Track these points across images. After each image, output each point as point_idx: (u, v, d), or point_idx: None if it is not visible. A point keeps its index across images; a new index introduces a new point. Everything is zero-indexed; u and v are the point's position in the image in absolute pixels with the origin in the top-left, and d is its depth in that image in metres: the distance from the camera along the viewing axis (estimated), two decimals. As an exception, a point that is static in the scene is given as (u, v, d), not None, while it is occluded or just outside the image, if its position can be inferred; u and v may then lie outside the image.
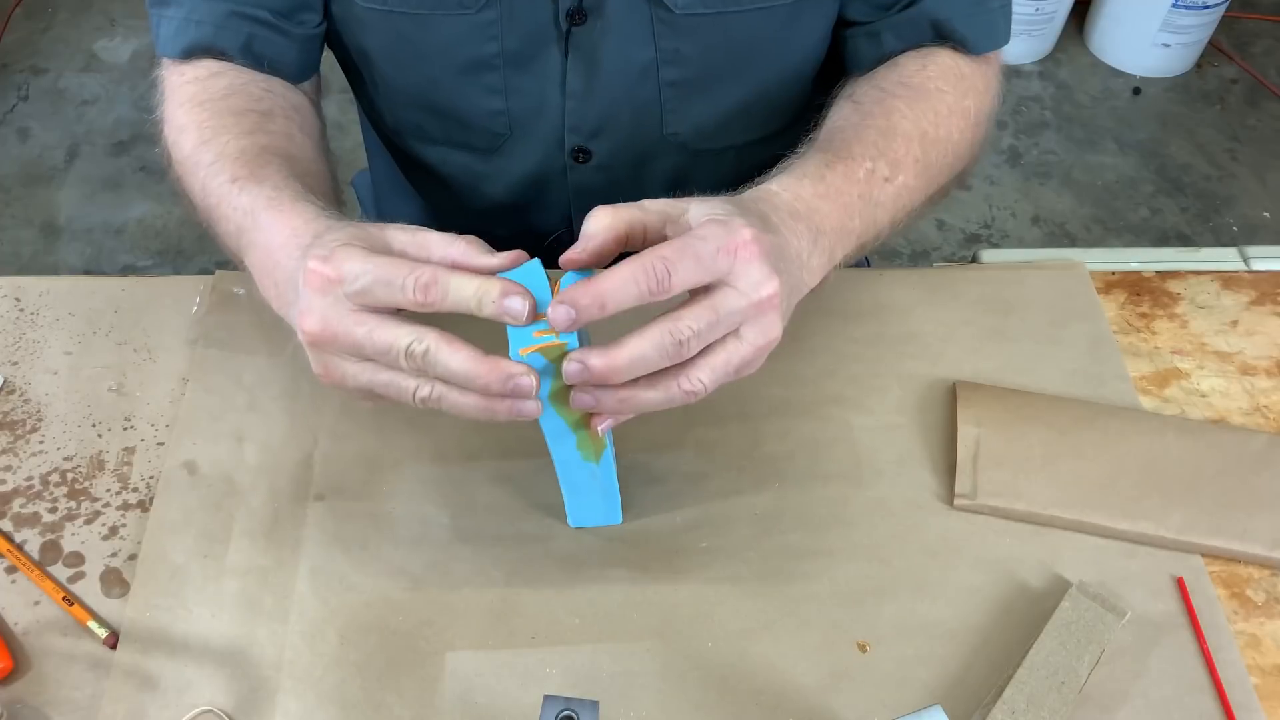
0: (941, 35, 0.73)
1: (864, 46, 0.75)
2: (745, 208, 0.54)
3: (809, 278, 0.58)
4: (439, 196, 0.87)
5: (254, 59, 0.72)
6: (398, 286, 0.48)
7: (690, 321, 0.50)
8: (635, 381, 0.52)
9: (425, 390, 0.51)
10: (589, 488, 0.61)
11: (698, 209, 0.53)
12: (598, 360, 0.50)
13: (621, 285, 0.49)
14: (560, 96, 0.75)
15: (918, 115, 0.68)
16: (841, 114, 0.70)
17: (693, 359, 0.51)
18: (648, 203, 0.54)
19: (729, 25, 0.71)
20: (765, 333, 0.52)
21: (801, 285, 0.58)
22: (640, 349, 0.50)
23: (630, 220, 0.53)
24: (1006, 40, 0.76)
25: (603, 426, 0.55)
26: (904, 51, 0.74)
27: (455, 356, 0.49)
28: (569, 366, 0.50)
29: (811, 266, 0.58)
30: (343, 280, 0.49)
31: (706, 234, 0.50)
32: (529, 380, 0.49)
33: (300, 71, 0.76)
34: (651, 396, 0.52)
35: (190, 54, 0.72)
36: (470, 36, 0.72)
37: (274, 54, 0.73)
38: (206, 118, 0.68)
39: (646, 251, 0.49)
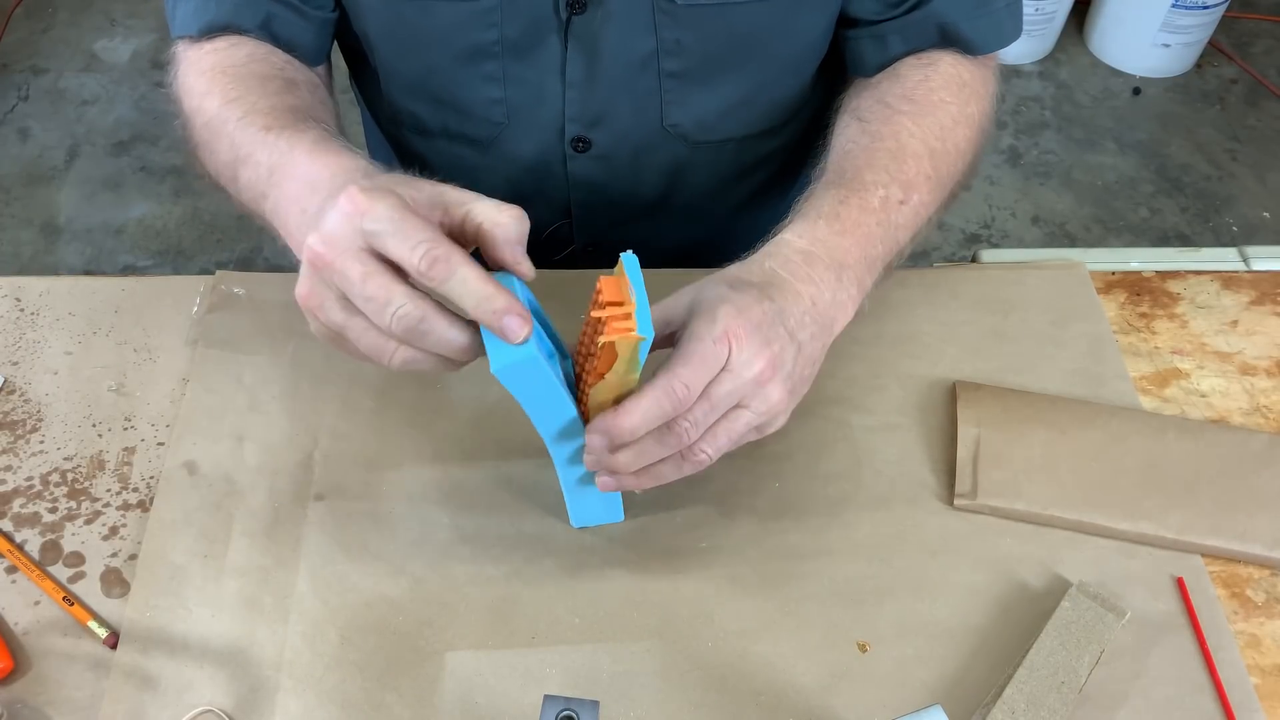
0: (947, 37, 0.73)
1: (869, 49, 0.75)
2: (740, 281, 0.57)
3: (839, 313, 0.61)
4: None
5: (271, 38, 0.72)
6: (409, 245, 0.48)
7: (688, 419, 0.54)
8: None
9: (404, 355, 0.51)
10: (589, 488, 0.61)
11: (690, 296, 0.57)
12: (608, 460, 0.55)
13: (650, 411, 0.53)
14: (560, 85, 0.75)
15: (925, 131, 0.69)
16: (848, 135, 0.70)
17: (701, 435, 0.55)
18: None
19: (730, 17, 0.72)
20: (766, 401, 0.55)
21: (831, 324, 0.60)
22: (644, 447, 0.55)
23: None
24: (1016, 36, 0.76)
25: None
26: (908, 54, 0.74)
27: (451, 330, 0.50)
28: (601, 479, 0.57)
29: (840, 302, 0.61)
30: (368, 215, 0.48)
31: (701, 333, 0.53)
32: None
33: (315, 55, 0.76)
34: (665, 470, 0.57)
35: (209, 31, 0.72)
36: (470, 24, 0.72)
37: (291, 35, 0.73)
38: (230, 83, 0.67)
39: (663, 375, 0.53)
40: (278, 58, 0.71)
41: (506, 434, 0.69)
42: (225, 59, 0.70)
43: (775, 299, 0.57)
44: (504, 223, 0.52)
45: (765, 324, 0.55)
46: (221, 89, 0.67)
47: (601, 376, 0.52)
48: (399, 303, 0.48)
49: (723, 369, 0.53)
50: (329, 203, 0.50)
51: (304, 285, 0.51)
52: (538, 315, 0.54)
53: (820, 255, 0.60)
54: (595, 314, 0.51)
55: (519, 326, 0.49)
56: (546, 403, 0.54)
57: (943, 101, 0.71)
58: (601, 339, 0.50)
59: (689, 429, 0.54)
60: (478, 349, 0.51)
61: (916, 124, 0.69)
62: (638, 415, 0.53)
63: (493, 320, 0.48)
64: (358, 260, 0.49)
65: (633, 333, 0.50)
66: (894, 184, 0.65)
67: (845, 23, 0.76)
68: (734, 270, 0.59)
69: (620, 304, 0.51)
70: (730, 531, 0.65)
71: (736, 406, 0.55)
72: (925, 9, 0.72)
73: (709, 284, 0.57)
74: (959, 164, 0.71)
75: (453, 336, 0.50)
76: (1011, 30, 0.76)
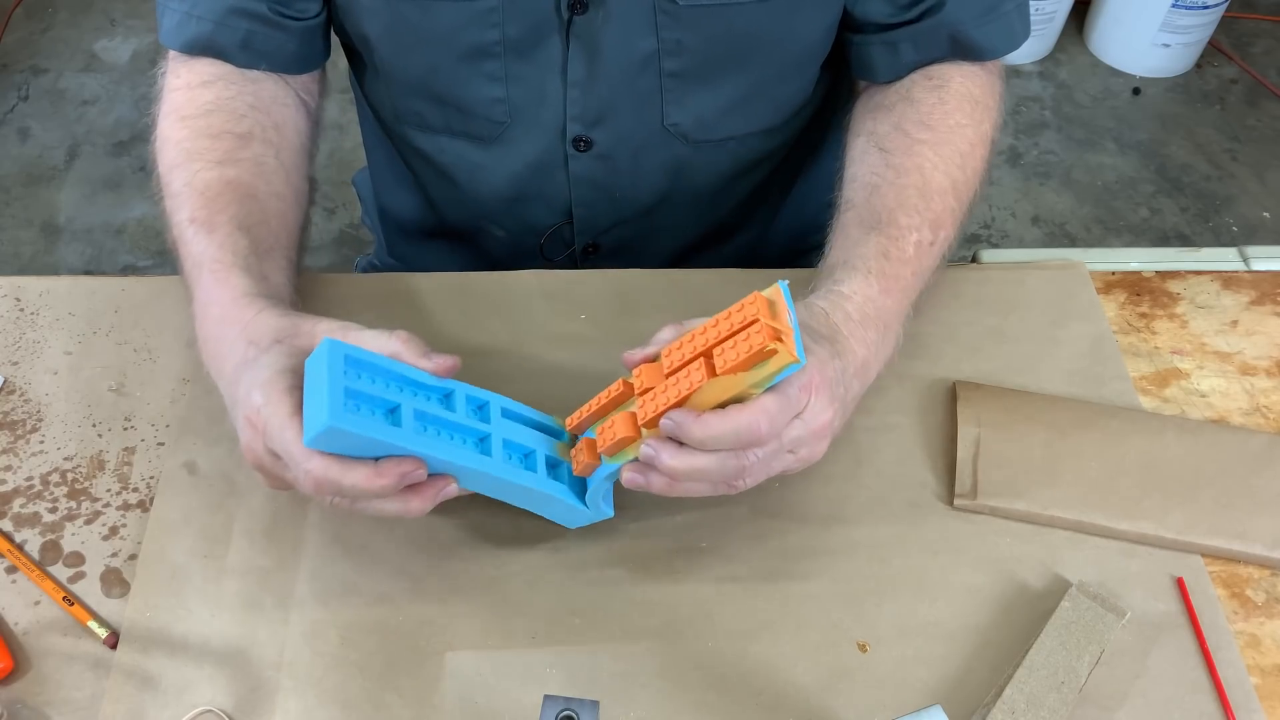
0: (958, 44, 0.74)
1: (880, 55, 0.76)
2: (818, 333, 0.60)
3: (876, 369, 0.64)
4: (439, 187, 0.87)
5: (253, 55, 0.73)
6: (299, 475, 0.53)
7: (757, 452, 0.55)
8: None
9: (345, 506, 0.56)
10: (554, 501, 0.60)
11: None
12: (665, 463, 0.55)
13: (731, 432, 0.54)
14: (561, 85, 0.75)
15: (947, 163, 0.71)
16: (870, 165, 0.72)
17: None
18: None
19: (731, 16, 0.72)
20: (814, 453, 0.58)
21: (869, 380, 0.64)
22: (703, 462, 0.55)
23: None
24: (1026, 37, 0.77)
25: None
26: (919, 65, 0.75)
27: (388, 505, 0.54)
28: (630, 474, 0.57)
29: (882, 358, 0.65)
30: (266, 436, 0.54)
31: (790, 379, 0.55)
32: (421, 471, 0.54)
33: (302, 64, 0.77)
34: (699, 488, 0.57)
35: (189, 50, 0.73)
36: (471, 23, 0.72)
37: (273, 49, 0.74)
38: (185, 136, 0.70)
39: (753, 406, 0.54)
40: (242, 103, 0.72)
41: (506, 434, 0.69)
42: (188, 103, 0.72)
43: (841, 357, 0.60)
44: (399, 349, 0.56)
45: (834, 381, 0.58)
46: (175, 143, 0.70)
47: (728, 373, 0.53)
48: (329, 497, 0.54)
49: (797, 415, 0.56)
50: (234, 399, 0.57)
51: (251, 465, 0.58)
52: (406, 380, 0.56)
53: (872, 318, 0.63)
54: (755, 317, 0.52)
55: (418, 476, 0.54)
56: (429, 448, 0.54)
57: (959, 125, 0.73)
58: (763, 343, 0.51)
59: (754, 464, 0.55)
60: (425, 508, 0.55)
61: (938, 154, 0.71)
62: (719, 428, 0.53)
63: (395, 490, 0.54)
64: (283, 468, 0.55)
65: (792, 355, 0.52)
66: (925, 226, 0.68)
67: (853, 26, 0.76)
68: (803, 317, 0.61)
69: (773, 322, 0.53)
70: (730, 532, 0.65)
71: (790, 450, 0.57)
72: (936, 16, 0.73)
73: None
74: (977, 187, 0.73)
75: (389, 509, 0.55)
76: (1021, 32, 0.76)
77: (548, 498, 0.60)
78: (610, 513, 0.64)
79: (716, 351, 0.53)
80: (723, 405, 0.54)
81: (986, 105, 0.75)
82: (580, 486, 0.61)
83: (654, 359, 0.57)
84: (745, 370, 0.53)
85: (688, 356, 0.55)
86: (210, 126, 0.70)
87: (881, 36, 0.75)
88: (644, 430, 0.56)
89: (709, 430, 0.53)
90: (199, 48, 0.73)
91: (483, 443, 0.57)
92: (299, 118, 0.76)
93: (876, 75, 0.77)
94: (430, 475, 0.55)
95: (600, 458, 0.58)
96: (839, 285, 0.64)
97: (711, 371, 0.53)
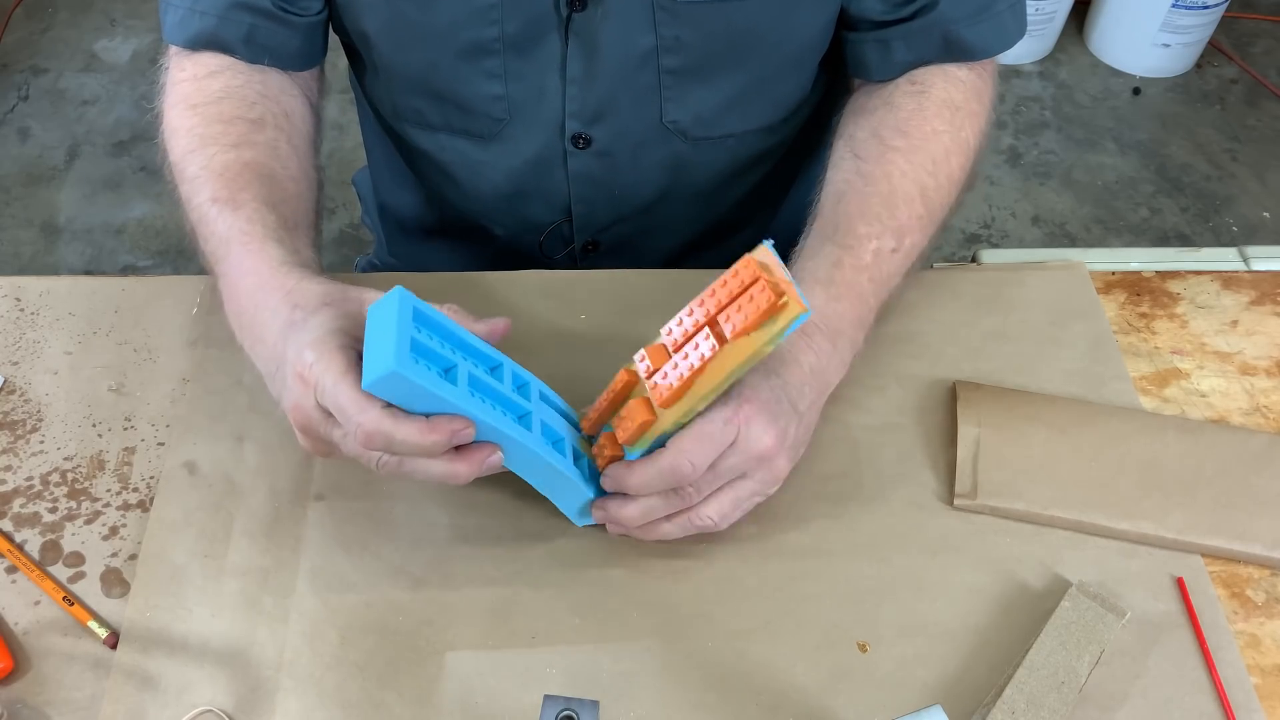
0: (950, 44, 0.74)
1: (872, 54, 0.76)
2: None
3: (834, 376, 0.65)
4: (439, 185, 0.87)
5: (256, 50, 0.74)
6: (348, 432, 0.53)
7: (692, 485, 0.58)
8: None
9: (392, 467, 0.56)
10: (576, 490, 0.61)
11: None
12: (616, 513, 0.60)
13: (654, 481, 0.58)
14: (560, 82, 0.76)
15: (917, 170, 0.71)
16: (843, 173, 0.72)
17: (704, 498, 0.59)
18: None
19: (729, 13, 0.72)
20: (770, 472, 0.60)
21: (827, 387, 0.65)
22: (650, 504, 0.59)
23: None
24: (1021, 35, 0.77)
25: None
26: (911, 65, 0.75)
27: (433, 466, 0.55)
28: (601, 517, 0.62)
29: (835, 365, 0.65)
30: (317, 389, 0.54)
31: (713, 414, 0.57)
32: (470, 432, 0.54)
33: (304, 60, 0.77)
34: (669, 528, 0.61)
35: (193, 45, 0.73)
36: (470, 20, 0.72)
37: (276, 44, 0.74)
38: (197, 123, 0.70)
39: (672, 448, 0.57)
40: (252, 90, 0.72)
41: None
42: (197, 92, 0.72)
43: (780, 373, 0.60)
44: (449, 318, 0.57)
45: (772, 401, 0.59)
46: (187, 131, 0.70)
47: (740, 335, 0.53)
48: (377, 456, 0.54)
49: (730, 445, 0.57)
50: (280, 360, 0.57)
51: (298, 435, 0.58)
52: (462, 343, 0.57)
53: (818, 325, 0.64)
54: (756, 276, 0.53)
55: (467, 435, 0.54)
56: (480, 412, 0.54)
57: (935, 132, 0.73)
58: (771, 299, 0.52)
59: (692, 493, 0.59)
60: (471, 473, 0.55)
61: (909, 161, 0.71)
62: (642, 478, 0.58)
63: (444, 448, 0.54)
64: (331, 427, 0.55)
65: (800, 305, 0.52)
66: (886, 233, 0.68)
67: (848, 24, 0.77)
68: None
69: (773, 278, 0.53)
70: (730, 531, 0.65)
71: (741, 476, 0.59)
72: (929, 15, 0.73)
73: None
74: (952, 193, 0.73)
75: (435, 471, 0.55)
76: (1015, 31, 0.76)
77: (572, 485, 0.60)
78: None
79: (722, 318, 0.54)
80: (733, 369, 0.54)
81: (969, 111, 0.75)
82: (597, 484, 0.62)
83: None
84: (756, 329, 0.53)
85: (690, 331, 0.55)
86: (222, 113, 0.70)
87: (875, 34, 0.75)
88: (659, 410, 0.57)
89: (637, 477, 0.58)
90: (203, 43, 0.73)
91: (523, 419, 0.58)
92: (305, 109, 0.76)
93: (870, 74, 0.77)
94: (478, 442, 0.55)
95: (623, 449, 0.59)
96: None
97: (722, 339, 0.54)
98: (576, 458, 0.61)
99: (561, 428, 0.60)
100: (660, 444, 0.58)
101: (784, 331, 0.53)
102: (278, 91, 0.74)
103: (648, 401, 0.57)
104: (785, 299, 0.52)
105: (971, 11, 0.73)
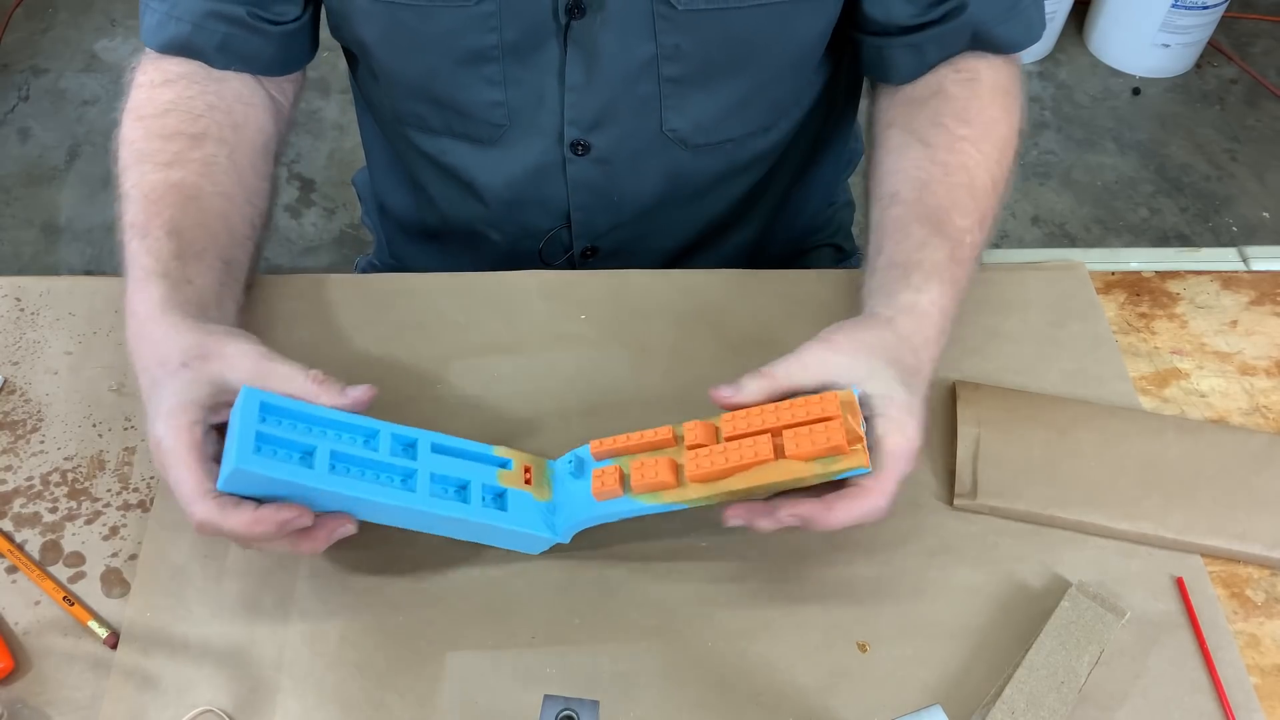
0: (979, 40, 0.74)
1: (904, 58, 0.75)
2: (904, 365, 0.60)
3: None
4: (438, 188, 0.87)
5: (230, 57, 0.74)
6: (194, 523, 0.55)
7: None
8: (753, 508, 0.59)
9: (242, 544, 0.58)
10: (497, 530, 0.60)
11: (836, 371, 0.59)
12: (755, 523, 0.59)
13: (853, 519, 0.57)
14: (559, 89, 0.75)
15: (989, 161, 0.71)
16: (913, 159, 0.71)
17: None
18: (790, 376, 0.59)
19: (729, 21, 0.72)
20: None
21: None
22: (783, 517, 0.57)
23: (772, 392, 0.59)
24: (1043, 30, 0.78)
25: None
26: (940, 61, 0.75)
27: (238, 535, 0.55)
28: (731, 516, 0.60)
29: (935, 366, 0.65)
30: (161, 470, 0.56)
31: (899, 452, 0.57)
32: (304, 519, 0.55)
33: (281, 66, 0.77)
34: (764, 524, 0.59)
35: (166, 50, 0.74)
36: (469, 28, 0.72)
37: (251, 52, 0.74)
38: (139, 136, 0.70)
39: (874, 492, 0.56)
40: (201, 102, 0.72)
41: (508, 433, 0.69)
42: (147, 102, 0.72)
43: (919, 391, 0.60)
44: (314, 390, 0.58)
45: (920, 418, 0.59)
46: (129, 143, 0.71)
47: (797, 458, 0.55)
48: (259, 545, 0.56)
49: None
50: (146, 414, 0.58)
51: None
52: (329, 422, 0.58)
53: (947, 330, 0.64)
54: (835, 414, 0.55)
55: (301, 523, 0.55)
56: (344, 487, 0.56)
57: (994, 120, 0.73)
58: (840, 444, 0.54)
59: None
60: (317, 549, 0.57)
61: (980, 151, 0.71)
62: (846, 518, 0.56)
63: (275, 537, 0.55)
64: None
65: (864, 461, 0.55)
66: (976, 227, 0.69)
67: (871, 29, 0.76)
68: (892, 344, 0.61)
69: (851, 422, 0.55)
70: (730, 531, 0.65)
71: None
72: (961, 17, 0.73)
73: (880, 372, 0.59)
74: (1010, 181, 0.74)
75: (280, 550, 0.57)
76: (1039, 24, 0.77)
77: (489, 528, 0.60)
78: (566, 539, 0.62)
79: (788, 434, 0.55)
80: (774, 483, 0.56)
81: (1015, 95, 0.75)
82: (542, 512, 0.61)
83: (737, 408, 0.58)
84: (814, 460, 0.55)
85: (752, 429, 0.57)
86: (165, 127, 0.70)
87: (905, 39, 0.74)
88: (688, 483, 0.57)
89: (838, 521, 0.56)
90: (176, 48, 0.73)
91: (407, 480, 0.58)
92: (263, 117, 0.76)
93: (898, 76, 0.76)
94: (325, 516, 0.56)
95: (625, 492, 0.59)
96: (920, 295, 0.64)
97: (779, 453, 0.55)
98: (497, 494, 0.60)
99: (467, 471, 0.60)
100: (659, 510, 0.58)
101: (836, 474, 0.55)
102: (232, 100, 0.74)
103: (676, 466, 0.58)
104: (857, 448, 0.54)
105: (1001, 10, 0.73)
